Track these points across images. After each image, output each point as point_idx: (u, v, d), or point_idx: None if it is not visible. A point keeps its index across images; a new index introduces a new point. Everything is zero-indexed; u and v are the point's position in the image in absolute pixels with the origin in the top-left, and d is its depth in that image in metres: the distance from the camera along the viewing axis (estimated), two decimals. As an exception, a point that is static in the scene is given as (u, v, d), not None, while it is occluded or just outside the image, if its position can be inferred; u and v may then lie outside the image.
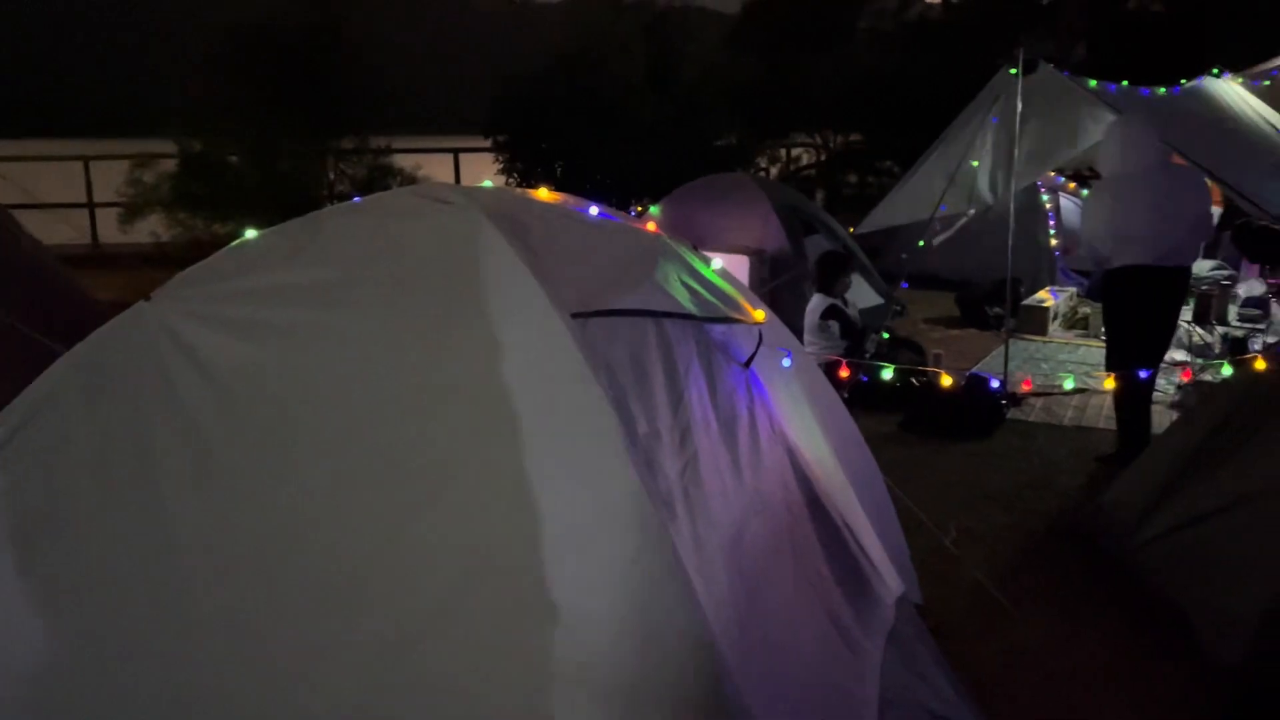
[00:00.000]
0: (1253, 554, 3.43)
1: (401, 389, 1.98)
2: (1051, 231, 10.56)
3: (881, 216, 9.15)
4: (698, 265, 3.16)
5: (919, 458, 5.78)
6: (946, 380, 6.07)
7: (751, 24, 18.02)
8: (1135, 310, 5.37)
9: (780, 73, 14.92)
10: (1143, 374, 5.30)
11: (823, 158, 16.84)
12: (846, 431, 3.55)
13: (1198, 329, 7.84)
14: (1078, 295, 9.50)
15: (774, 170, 16.50)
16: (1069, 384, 6.65)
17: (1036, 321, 8.95)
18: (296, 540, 1.90)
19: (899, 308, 10.03)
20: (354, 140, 12.31)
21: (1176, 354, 7.31)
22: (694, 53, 13.66)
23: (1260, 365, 4.05)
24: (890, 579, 3.34)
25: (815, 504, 3.21)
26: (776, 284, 8.77)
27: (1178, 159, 5.85)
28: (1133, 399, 5.48)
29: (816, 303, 7.15)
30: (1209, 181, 6.06)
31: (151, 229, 11.79)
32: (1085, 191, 11.26)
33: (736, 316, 3.00)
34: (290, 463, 1.99)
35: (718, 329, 2.95)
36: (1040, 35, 16.83)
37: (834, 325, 7.02)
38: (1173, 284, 5.35)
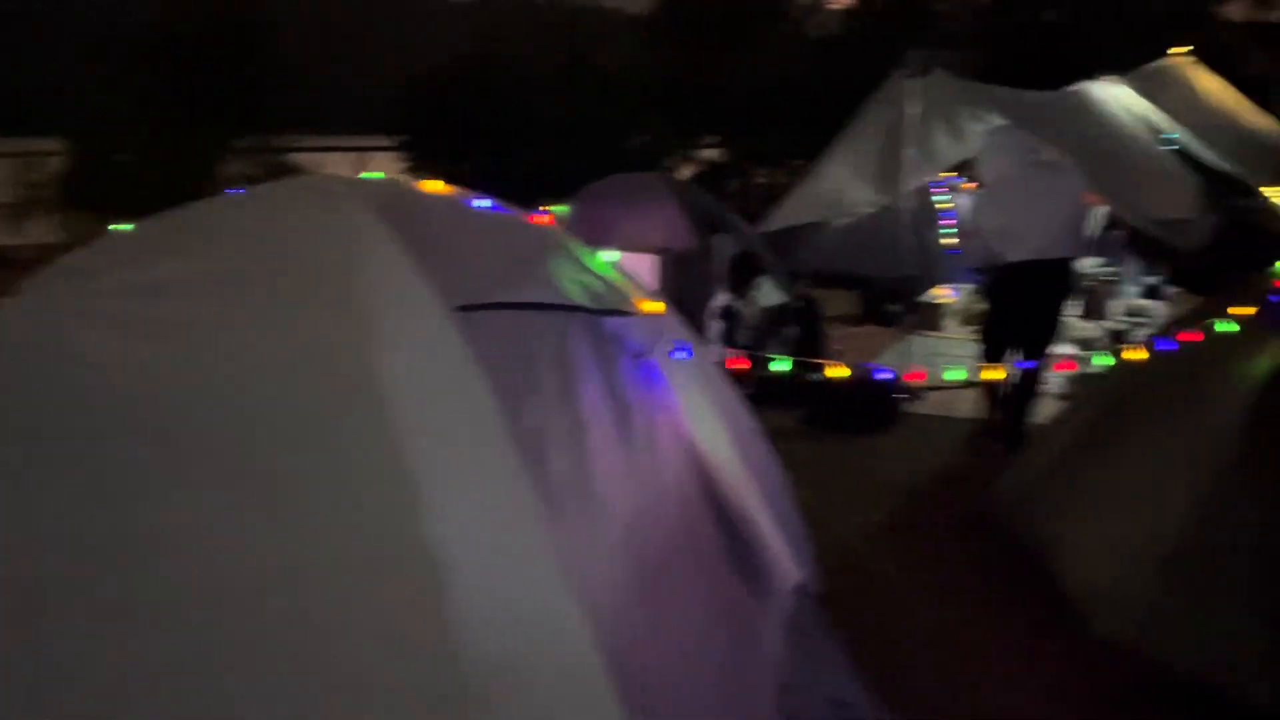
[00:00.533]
0: (1134, 537, 3.57)
1: (275, 386, 1.92)
2: (949, 230, 10.83)
3: (783, 216, 9.24)
4: (590, 260, 3.15)
5: (820, 451, 5.88)
6: (841, 373, 6.16)
7: (665, 23, 18.09)
8: (1015, 303, 5.60)
9: (697, 73, 15.02)
10: (1026, 366, 5.52)
11: (729, 159, 17.01)
12: (745, 425, 3.58)
13: (1084, 323, 8.16)
14: (976, 292, 9.78)
15: (688, 170, 16.60)
16: (948, 375, 6.80)
17: (934, 318, 9.19)
18: (167, 542, 1.83)
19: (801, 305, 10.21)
20: (255, 138, 12.01)
21: (1064, 347, 7.58)
22: (609, 51, 13.67)
23: (1140, 356, 4.23)
24: (789, 569, 3.39)
25: (713, 496, 3.23)
26: (685, 282, 8.82)
27: (1054, 156, 6.08)
28: (1019, 390, 5.71)
29: (718, 299, 7.24)
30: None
31: (43, 229, 11.34)
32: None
33: (629, 310, 3.00)
34: (164, 462, 1.92)
35: (613, 322, 2.95)
36: (935, 42, 17.32)
37: (718, 325, 7.13)
38: (1051, 277, 5.57)
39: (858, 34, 16.78)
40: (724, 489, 3.26)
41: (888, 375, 6.59)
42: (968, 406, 6.74)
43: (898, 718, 3.15)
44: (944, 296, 9.43)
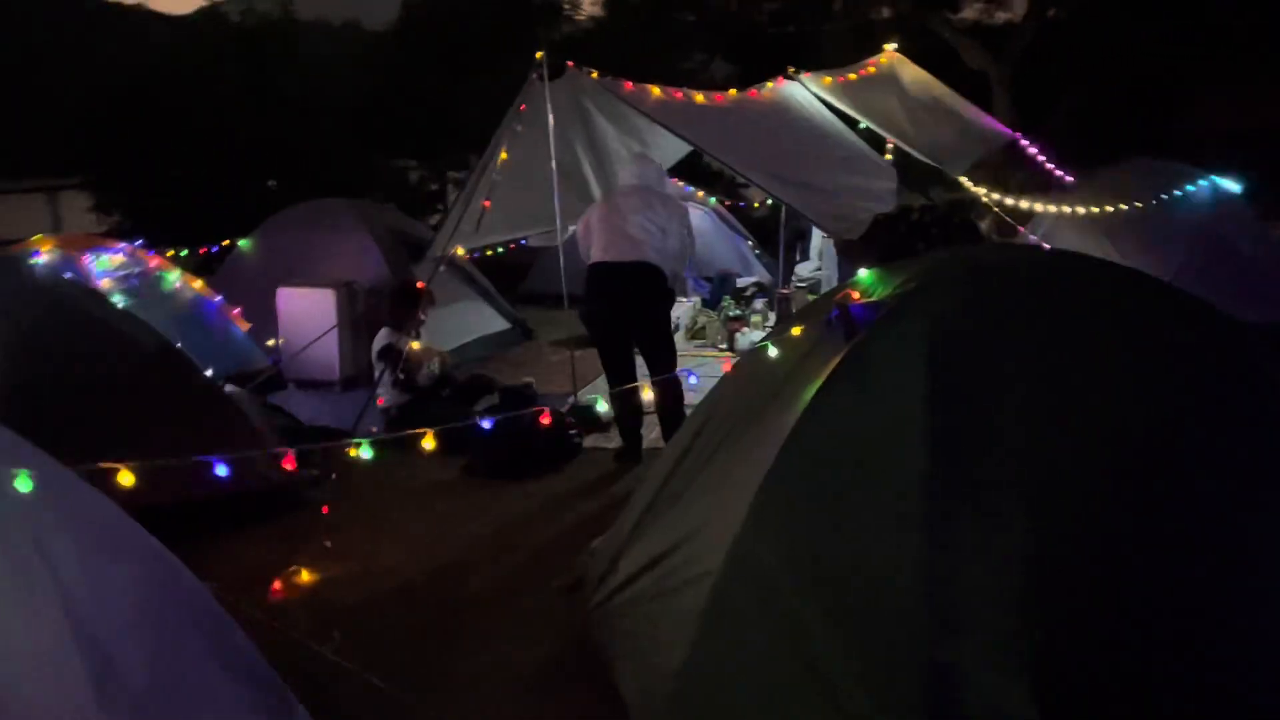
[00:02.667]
0: (669, 619, 2.93)
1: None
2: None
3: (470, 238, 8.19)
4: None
5: (465, 509, 5.12)
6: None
7: (401, 42, 17.07)
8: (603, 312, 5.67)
9: (420, 93, 14.09)
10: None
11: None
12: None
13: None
14: (700, 305, 9.30)
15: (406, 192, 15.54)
16: (594, 406, 6.17)
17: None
18: None
19: (524, 330, 9.51)
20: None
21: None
22: (310, 68, 12.56)
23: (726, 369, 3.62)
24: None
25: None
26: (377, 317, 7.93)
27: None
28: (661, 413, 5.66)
29: (380, 337, 6.39)
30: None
31: None
32: (713, 200, 11.33)
33: None
34: None
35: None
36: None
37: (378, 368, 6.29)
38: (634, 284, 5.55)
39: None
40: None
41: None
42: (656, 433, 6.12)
43: None
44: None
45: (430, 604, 4.05)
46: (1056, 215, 8.23)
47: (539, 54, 5.81)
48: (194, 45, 11.81)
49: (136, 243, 7.56)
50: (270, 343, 7.85)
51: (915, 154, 8.09)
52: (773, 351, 3.25)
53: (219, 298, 7.78)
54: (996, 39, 16.09)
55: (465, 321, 8.96)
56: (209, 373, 6.88)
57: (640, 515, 3.34)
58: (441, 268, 6.75)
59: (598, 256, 5.65)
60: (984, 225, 8.55)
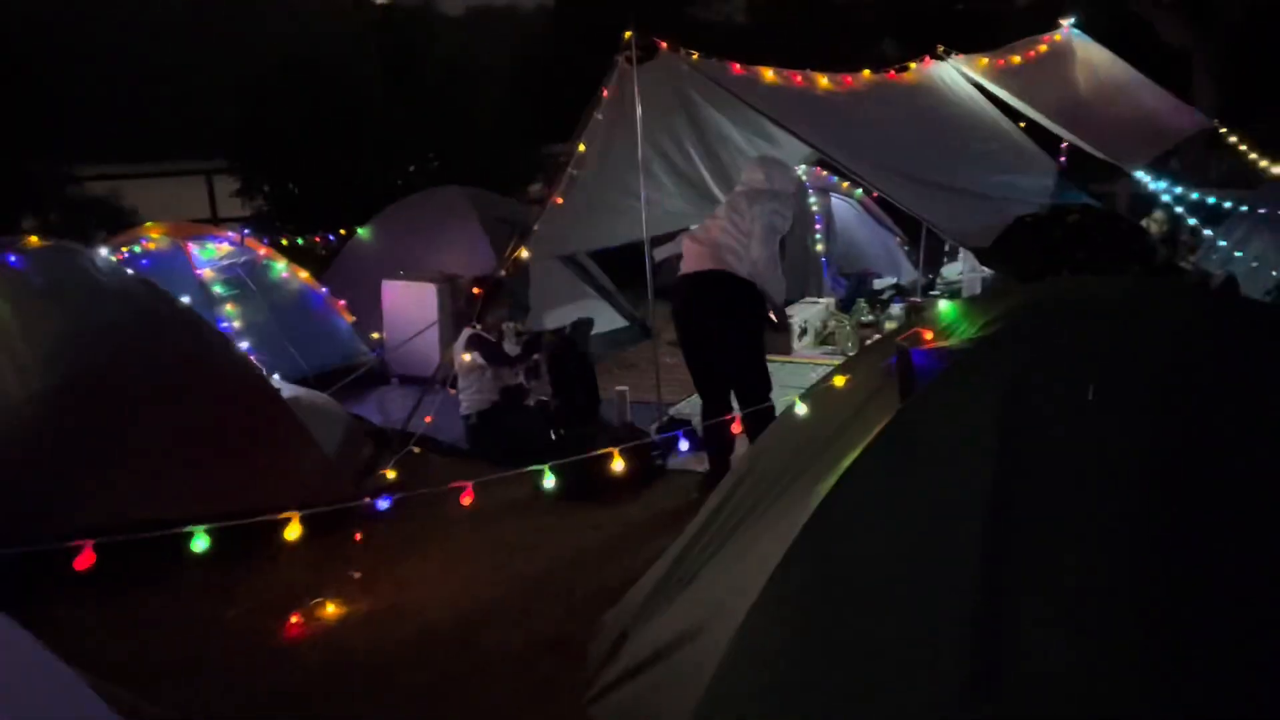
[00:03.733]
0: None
1: None
2: (819, 237, 9.59)
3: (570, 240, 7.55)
4: None
5: (523, 538, 4.63)
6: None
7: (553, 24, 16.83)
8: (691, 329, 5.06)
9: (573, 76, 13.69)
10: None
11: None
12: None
13: None
14: (833, 307, 8.53)
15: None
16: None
17: (781, 340, 7.90)
18: None
19: (644, 328, 8.97)
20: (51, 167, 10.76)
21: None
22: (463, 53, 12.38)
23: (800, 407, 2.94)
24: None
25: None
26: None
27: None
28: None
29: (462, 338, 6.01)
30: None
31: None
32: (859, 191, 10.42)
33: None
34: None
35: None
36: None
37: (478, 356, 5.91)
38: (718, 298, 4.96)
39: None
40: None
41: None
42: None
43: None
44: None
45: (443, 659, 3.57)
46: (1252, 217, 7.01)
47: (626, 34, 5.19)
48: (341, 29, 11.84)
49: (245, 231, 7.49)
50: (374, 336, 7.67)
51: (1085, 147, 7.08)
52: (807, 406, 2.59)
53: (324, 289, 7.63)
54: (1201, 12, 14.38)
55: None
56: (305, 366, 6.79)
57: (652, 591, 2.76)
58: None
59: (681, 269, 5.10)
60: (1155, 226, 7.38)
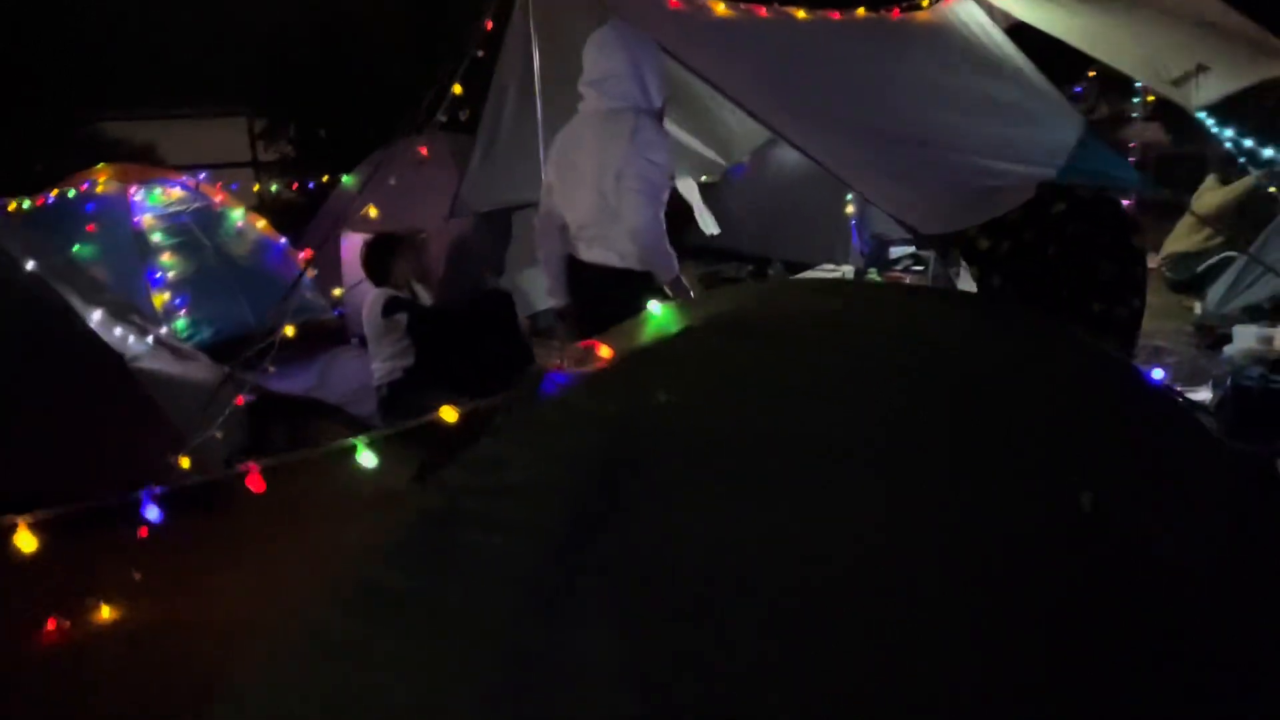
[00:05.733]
0: None
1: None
2: (849, 197, 8.66)
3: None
4: None
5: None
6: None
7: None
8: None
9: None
10: None
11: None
12: None
13: None
14: (852, 275, 7.69)
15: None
16: None
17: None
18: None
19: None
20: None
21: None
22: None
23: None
24: None
25: None
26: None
27: None
28: None
29: (372, 300, 5.48)
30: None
31: None
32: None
33: None
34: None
35: None
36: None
37: (403, 317, 5.38)
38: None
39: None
40: None
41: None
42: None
43: None
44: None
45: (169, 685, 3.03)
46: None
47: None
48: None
49: (200, 176, 7.08)
50: (335, 292, 7.19)
51: (1142, 79, 6.01)
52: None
53: (283, 240, 7.18)
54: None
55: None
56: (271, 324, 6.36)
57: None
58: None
59: None
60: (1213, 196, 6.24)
